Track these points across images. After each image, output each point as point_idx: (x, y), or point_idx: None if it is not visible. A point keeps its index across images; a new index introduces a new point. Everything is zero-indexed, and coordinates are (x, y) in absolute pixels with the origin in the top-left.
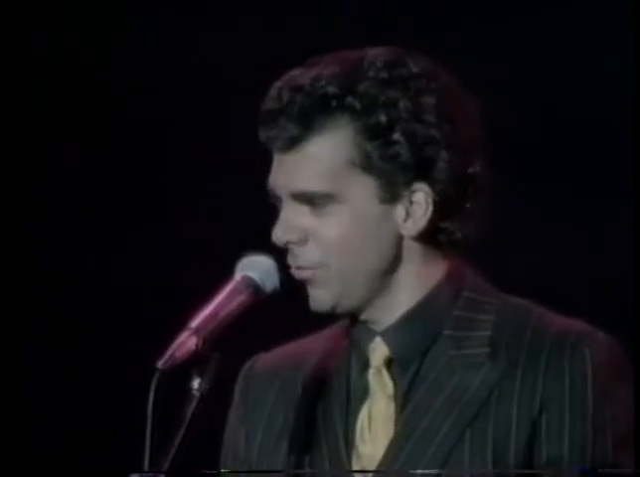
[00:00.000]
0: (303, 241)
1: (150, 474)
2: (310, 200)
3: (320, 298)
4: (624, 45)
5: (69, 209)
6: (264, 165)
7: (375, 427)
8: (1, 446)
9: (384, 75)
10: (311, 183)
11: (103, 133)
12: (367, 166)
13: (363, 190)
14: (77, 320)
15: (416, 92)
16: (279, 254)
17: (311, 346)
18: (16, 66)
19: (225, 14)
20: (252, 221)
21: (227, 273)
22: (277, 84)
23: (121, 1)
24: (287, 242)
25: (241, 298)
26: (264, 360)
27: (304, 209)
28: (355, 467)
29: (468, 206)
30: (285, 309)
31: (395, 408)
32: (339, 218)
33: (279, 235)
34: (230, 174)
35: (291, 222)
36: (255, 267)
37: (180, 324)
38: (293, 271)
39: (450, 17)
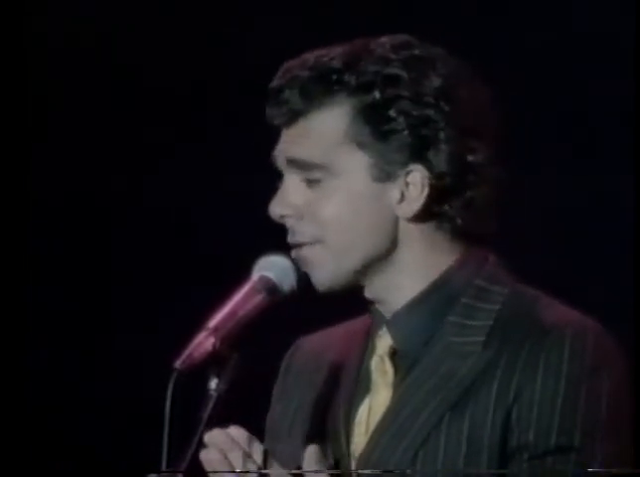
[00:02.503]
0: (299, 216)
1: (168, 474)
2: (305, 170)
3: (318, 278)
4: (624, 45)
5: (70, 201)
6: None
7: (373, 420)
8: (14, 447)
9: (388, 54)
10: (306, 152)
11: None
12: (361, 143)
13: (357, 166)
14: (96, 318)
15: (419, 73)
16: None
17: (345, 332)
18: (15, 54)
19: (222, 14)
20: (269, 221)
21: (243, 273)
22: (285, 65)
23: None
24: (282, 216)
25: (259, 298)
26: (306, 343)
27: (301, 184)
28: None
29: (469, 194)
30: (303, 309)
31: (392, 398)
32: (333, 194)
33: (275, 208)
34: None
35: (288, 196)
36: (273, 267)
37: (198, 323)
38: (294, 254)
39: (450, 14)
